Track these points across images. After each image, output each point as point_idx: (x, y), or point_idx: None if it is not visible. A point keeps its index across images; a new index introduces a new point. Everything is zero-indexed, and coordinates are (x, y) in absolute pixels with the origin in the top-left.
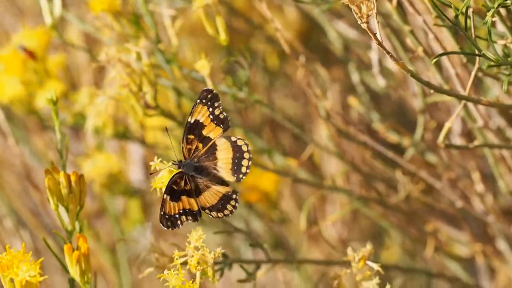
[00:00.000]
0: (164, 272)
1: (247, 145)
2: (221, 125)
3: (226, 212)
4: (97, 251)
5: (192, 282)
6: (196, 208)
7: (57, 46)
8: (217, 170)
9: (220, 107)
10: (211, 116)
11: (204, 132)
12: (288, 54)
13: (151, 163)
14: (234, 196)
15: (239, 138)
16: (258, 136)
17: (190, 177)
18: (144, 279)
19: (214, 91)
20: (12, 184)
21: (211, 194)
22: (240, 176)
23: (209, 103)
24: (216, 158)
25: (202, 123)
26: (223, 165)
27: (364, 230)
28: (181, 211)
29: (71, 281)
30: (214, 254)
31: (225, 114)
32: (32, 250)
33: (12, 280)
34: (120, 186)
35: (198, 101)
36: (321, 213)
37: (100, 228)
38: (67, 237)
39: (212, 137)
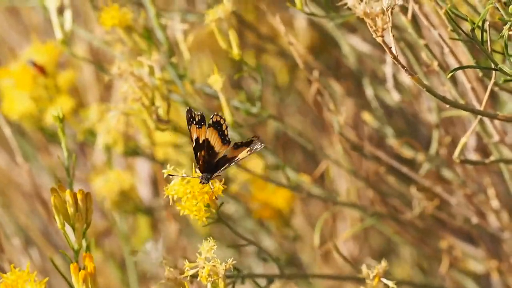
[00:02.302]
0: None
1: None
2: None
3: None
4: (106, 269)
5: None
6: None
7: (63, 63)
8: None
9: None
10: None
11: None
12: (301, 68)
13: (163, 170)
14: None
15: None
16: (270, 152)
17: None
18: None
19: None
20: (20, 203)
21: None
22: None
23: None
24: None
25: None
26: None
27: (375, 248)
28: None
29: None
30: (226, 265)
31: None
32: (40, 269)
33: None
34: (131, 203)
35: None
36: (332, 230)
37: (109, 246)
38: (73, 256)
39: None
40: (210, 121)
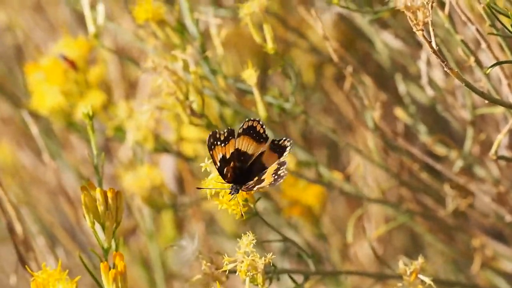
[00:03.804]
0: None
1: (289, 141)
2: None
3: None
4: (132, 268)
5: None
6: None
7: (89, 60)
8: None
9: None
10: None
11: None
12: (330, 64)
13: (201, 164)
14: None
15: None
16: (302, 149)
17: None
18: None
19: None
20: (45, 201)
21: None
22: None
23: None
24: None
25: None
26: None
27: (400, 247)
28: None
29: None
30: (265, 260)
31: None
32: (66, 268)
33: None
34: (161, 199)
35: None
36: (358, 229)
37: (135, 244)
38: (103, 255)
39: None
40: (241, 130)
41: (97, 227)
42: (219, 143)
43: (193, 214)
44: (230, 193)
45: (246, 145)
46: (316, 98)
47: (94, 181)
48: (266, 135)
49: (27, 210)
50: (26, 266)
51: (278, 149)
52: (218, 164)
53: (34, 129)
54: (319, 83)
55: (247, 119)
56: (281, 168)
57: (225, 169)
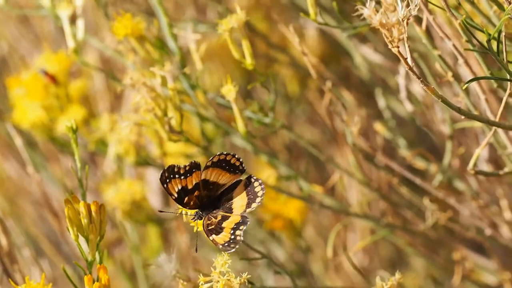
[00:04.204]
0: None
1: (263, 189)
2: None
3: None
4: (116, 280)
5: None
6: None
7: (74, 72)
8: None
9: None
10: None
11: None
12: (312, 78)
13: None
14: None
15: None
16: (282, 162)
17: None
18: None
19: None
20: (30, 213)
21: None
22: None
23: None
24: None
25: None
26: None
27: (386, 258)
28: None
29: None
30: (240, 280)
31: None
32: (50, 279)
33: None
34: (142, 213)
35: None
36: (342, 242)
37: (119, 255)
38: (87, 268)
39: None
40: (210, 163)
41: (81, 240)
42: (177, 176)
43: (177, 227)
44: (192, 219)
45: (216, 176)
46: (301, 110)
47: (78, 194)
48: (243, 167)
49: (12, 222)
50: (10, 279)
51: (250, 190)
52: (176, 195)
53: (18, 142)
54: (303, 94)
55: (218, 153)
56: (240, 228)
57: (186, 199)
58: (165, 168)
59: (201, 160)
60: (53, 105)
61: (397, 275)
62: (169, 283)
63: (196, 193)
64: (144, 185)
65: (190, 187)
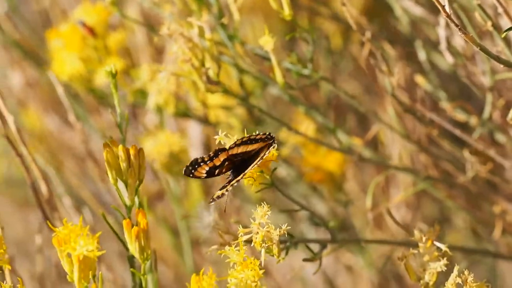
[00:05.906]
0: (225, 249)
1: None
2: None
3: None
4: (158, 233)
5: (254, 259)
6: None
7: (115, 24)
8: None
9: None
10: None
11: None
12: (354, 31)
13: (215, 136)
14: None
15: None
16: (321, 115)
17: None
18: (205, 261)
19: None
20: (71, 167)
21: None
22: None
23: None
24: None
25: None
26: None
27: (428, 214)
28: None
29: (130, 259)
30: (280, 231)
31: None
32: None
33: (69, 255)
34: (181, 166)
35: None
36: (384, 195)
37: (161, 210)
38: (126, 213)
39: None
40: (233, 145)
41: (120, 185)
42: (202, 163)
43: (220, 180)
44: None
45: (244, 148)
46: (344, 64)
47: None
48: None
49: (53, 172)
50: (48, 222)
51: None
52: (205, 176)
53: (60, 90)
54: (347, 48)
55: (241, 137)
56: (229, 185)
57: (217, 171)
58: (191, 161)
59: (240, 112)
60: (92, 57)
61: (436, 227)
62: (210, 234)
63: (226, 163)
64: (184, 138)
65: (218, 164)
